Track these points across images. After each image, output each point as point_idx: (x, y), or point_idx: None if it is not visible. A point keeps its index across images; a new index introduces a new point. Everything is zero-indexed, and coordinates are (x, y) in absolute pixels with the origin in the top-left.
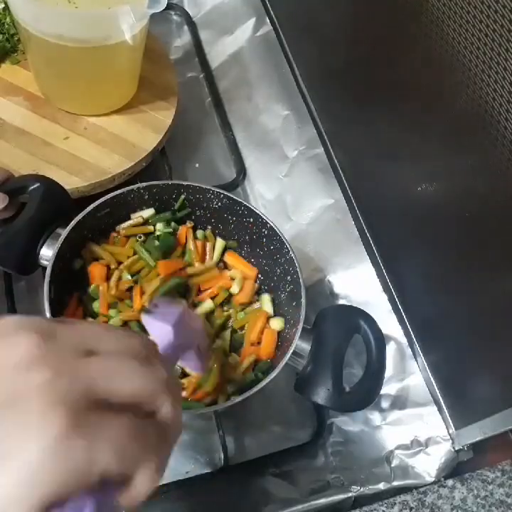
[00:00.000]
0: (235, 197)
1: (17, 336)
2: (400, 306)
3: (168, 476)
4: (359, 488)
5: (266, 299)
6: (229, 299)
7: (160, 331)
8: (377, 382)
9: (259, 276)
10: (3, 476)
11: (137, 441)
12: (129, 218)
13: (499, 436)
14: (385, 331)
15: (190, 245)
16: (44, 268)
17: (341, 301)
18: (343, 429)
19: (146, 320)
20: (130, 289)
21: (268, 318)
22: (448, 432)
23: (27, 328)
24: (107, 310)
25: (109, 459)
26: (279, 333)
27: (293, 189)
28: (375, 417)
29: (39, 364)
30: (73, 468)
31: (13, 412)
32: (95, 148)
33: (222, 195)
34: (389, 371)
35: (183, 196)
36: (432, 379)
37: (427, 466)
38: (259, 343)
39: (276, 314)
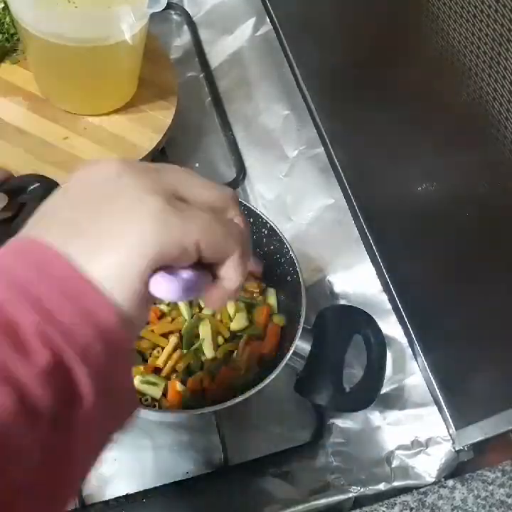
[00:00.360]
0: None
1: (105, 163)
2: (400, 306)
3: (168, 477)
4: (359, 488)
5: (271, 293)
6: None
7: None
8: (378, 383)
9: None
10: (120, 240)
11: (220, 226)
12: None
13: (500, 437)
14: (385, 331)
15: None
16: None
17: (341, 301)
18: (343, 429)
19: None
20: None
21: (271, 314)
22: (448, 432)
23: (110, 159)
24: None
25: (201, 235)
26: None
27: (293, 189)
28: (375, 417)
29: (128, 173)
30: (173, 239)
31: (114, 204)
32: (95, 148)
33: None
34: (389, 371)
35: None
36: (432, 379)
37: (428, 466)
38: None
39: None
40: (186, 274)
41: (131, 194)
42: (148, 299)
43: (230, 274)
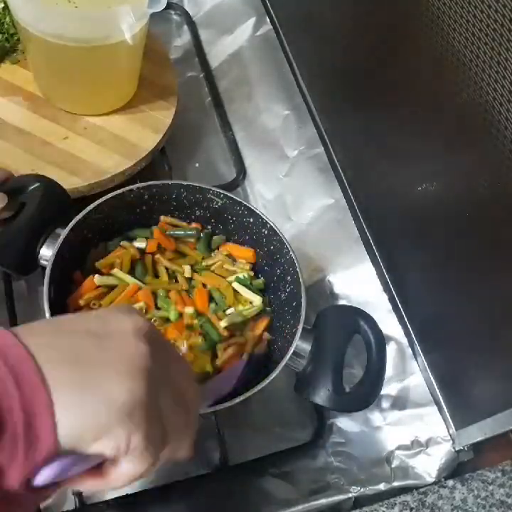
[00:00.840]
0: (235, 197)
1: (137, 314)
2: (400, 306)
3: (168, 477)
4: (359, 488)
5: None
6: None
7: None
8: (378, 383)
9: (259, 275)
10: (94, 392)
11: (159, 446)
12: (130, 218)
13: (500, 437)
14: (385, 331)
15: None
16: (44, 268)
17: (341, 301)
18: (343, 429)
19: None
20: None
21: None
22: (448, 432)
23: (139, 314)
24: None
25: (138, 447)
26: (279, 333)
27: (293, 189)
28: (376, 417)
29: (147, 339)
30: (123, 433)
31: (123, 359)
32: (95, 148)
33: (222, 195)
34: (389, 371)
35: None
36: (432, 379)
37: (428, 466)
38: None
39: (275, 314)
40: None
41: (137, 363)
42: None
43: (132, 461)
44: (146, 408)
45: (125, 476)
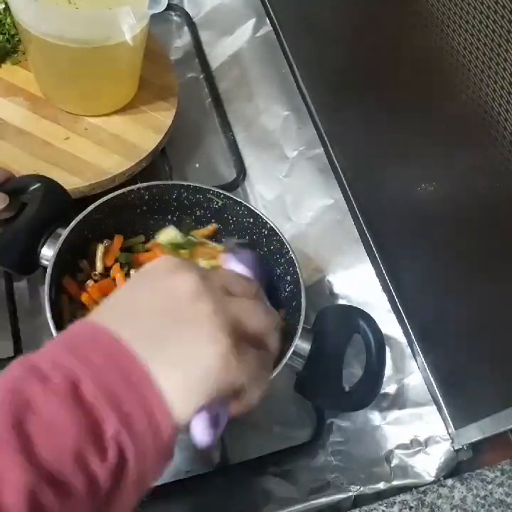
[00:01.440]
0: (235, 197)
1: (182, 272)
2: (399, 306)
3: (168, 476)
4: (359, 487)
5: None
6: None
7: (240, 271)
8: (377, 382)
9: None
10: (189, 366)
11: (262, 367)
12: (130, 219)
13: (499, 436)
14: (384, 330)
15: None
16: (45, 268)
17: (341, 301)
18: (342, 428)
19: (229, 261)
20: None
21: None
22: (447, 431)
23: (187, 267)
24: None
25: (248, 377)
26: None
27: (293, 189)
28: (375, 416)
29: (203, 297)
30: (227, 378)
31: (191, 328)
32: (96, 148)
33: (222, 196)
34: (388, 371)
35: None
36: (431, 379)
37: (427, 465)
38: None
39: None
40: (222, 415)
41: (206, 328)
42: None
43: (251, 393)
44: (236, 354)
45: (254, 399)
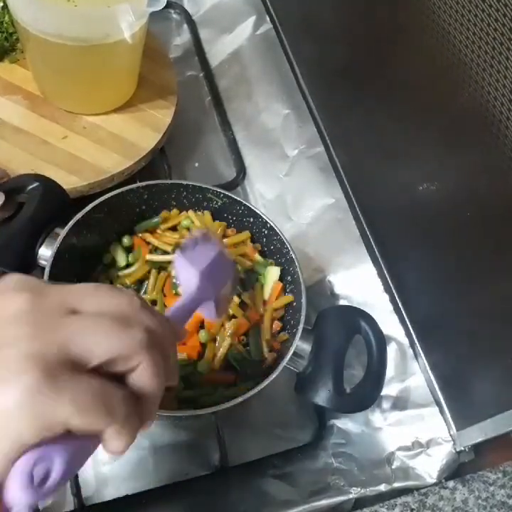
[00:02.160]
0: (235, 196)
1: (13, 292)
2: (401, 307)
3: (167, 478)
4: (360, 489)
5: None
6: None
7: (187, 274)
8: (378, 383)
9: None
10: None
11: (100, 401)
12: (129, 219)
13: (501, 438)
14: (385, 331)
15: None
16: (42, 268)
17: (342, 302)
18: (343, 430)
19: (178, 260)
20: None
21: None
22: (449, 433)
23: (22, 287)
24: None
25: (71, 415)
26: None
27: (293, 188)
28: (376, 418)
29: (23, 319)
30: (39, 419)
31: None
32: (94, 147)
33: (222, 195)
34: (390, 372)
35: None
36: (433, 380)
37: (428, 467)
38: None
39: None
40: (56, 459)
41: (15, 354)
42: None
43: (109, 440)
44: (49, 386)
45: (114, 446)
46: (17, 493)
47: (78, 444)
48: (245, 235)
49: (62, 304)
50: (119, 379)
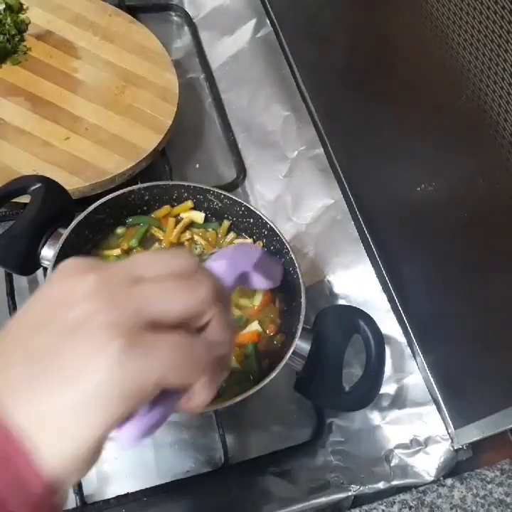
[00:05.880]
0: (235, 197)
1: (78, 275)
2: (399, 306)
3: (168, 475)
4: (359, 487)
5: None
6: None
7: (218, 267)
8: (377, 382)
9: None
10: (75, 388)
11: (186, 354)
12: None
13: (498, 436)
14: (384, 330)
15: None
16: (45, 268)
17: (341, 301)
18: (342, 428)
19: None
20: None
21: None
22: (447, 431)
23: (83, 269)
24: None
25: (161, 375)
26: (280, 329)
27: (293, 189)
28: (375, 416)
29: (95, 296)
30: (130, 385)
31: (76, 336)
32: (96, 148)
33: (222, 196)
34: (388, 371)
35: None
36: (431, 378)
37: (427, 465)
38: None
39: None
40: (151, 412)
41: (92, 332)
42: (96, 452)
43: (200, 391)
44: (134, 350)
45: (202, 394)
46: (128, 434)
47: (165, 398)
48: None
49: (127, 275)
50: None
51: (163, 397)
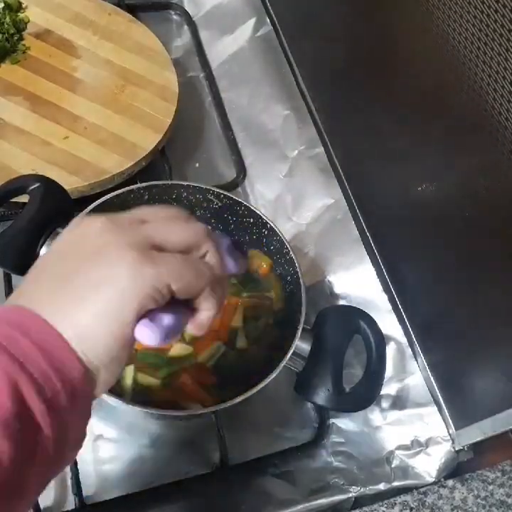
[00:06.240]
0: (235, 197)
1: (90, 219)
2: (400, 306)
3: (168, 476)
4: (359, 488)
5: None
6: None
7: None
8: (377, 383)
9: None
10: (104, 294)
11: (189, 266)
12: None
13: (499, 437)
14: (385, 331)
15: None
16: None
17: (341, 302)
18: (343, 429)
19: None
20: None
21: None
22: (448, 432)
23: (98, 217)
24: None
25: (172, 278)
26: (279, 329)
27: (293, 189)
28: (376, 417)
29: (108, 231)
30: (148, 286)
31: (98, 257)
32: (95, 147)
33: (222, 195)
34: (389, 371)
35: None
36: (432, 379)
37: (427, 466)
38: None
39: (276, 312)
40: (167, 318)
41: (110, 251)
42: (126, 348)
43: (204, 305)
44: (148, 260)
45: (207, 306)
46: (148, 334)
47: (178, 307)
48: None
49: (134, 218)
50: None
51: (174, 310)
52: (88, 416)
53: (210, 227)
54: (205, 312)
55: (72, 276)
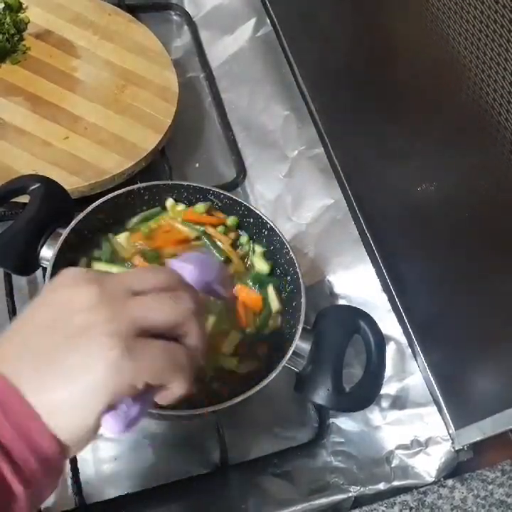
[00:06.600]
0: (235, 197)
1: (79, 286)
2: (399, 306)
3: (168, 476)
4: (359, 488)
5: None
6: None
7: (183, 271)
8: (377, 382)
9: None
10: (82, 382)
11: (170, 361)
12: (130, 219)
13: (499, 436)
14: (384, 331)
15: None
16: (45, 269)
17: (341, 301)
18: (343, 429)
19: (172, 263)
20: None
21: None
22: (448, 432)
23: (86, 280)
24: None
25: (149, 375)
26: (279, 332)
27: (293, 189)
28: (375, 417)
29: (98, 307)
30: (124, 382)
31: (82, 340)
32: (95, 148)
33: (222, 196)
34: (389, 371)
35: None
36: (431, 379)
37: (427, 466)
38: None
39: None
40: (133, 409)
41: (93, 339)
42: (91, 432)
43: (176, 387)
44: (129, 357)
45: (177, 392)
46: (112, 425)
47: (147, 394)
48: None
49: (123, 288)
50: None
51: (143, 395)
52: (60, 474)
53: (201, 295)
54: (175, 390)
55: (53, 356)
